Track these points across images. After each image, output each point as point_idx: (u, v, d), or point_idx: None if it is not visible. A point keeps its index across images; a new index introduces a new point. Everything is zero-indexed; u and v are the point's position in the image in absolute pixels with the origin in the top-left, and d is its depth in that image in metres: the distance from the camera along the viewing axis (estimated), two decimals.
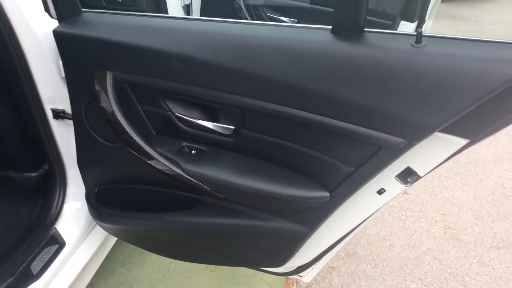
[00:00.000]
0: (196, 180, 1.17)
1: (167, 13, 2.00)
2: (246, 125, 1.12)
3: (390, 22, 1.96)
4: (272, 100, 1.01)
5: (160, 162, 1.18)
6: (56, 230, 1.45)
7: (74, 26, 1.17)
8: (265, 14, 2.15)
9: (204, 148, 1.20)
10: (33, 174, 1.55)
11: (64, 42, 1.17)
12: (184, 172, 1.17)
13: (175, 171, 1.17)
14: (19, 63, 1.21)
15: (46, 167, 1.55)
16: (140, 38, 1.09)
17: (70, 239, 1.46)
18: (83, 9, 1.22)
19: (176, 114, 1.19)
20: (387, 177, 1.05)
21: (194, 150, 1.20)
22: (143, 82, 1.14)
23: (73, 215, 1.50)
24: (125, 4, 1.90)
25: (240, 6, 2.06)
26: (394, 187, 1.06)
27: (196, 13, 2.06)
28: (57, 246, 1.43)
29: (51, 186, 1.48)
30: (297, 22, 2.18)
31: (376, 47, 0.89)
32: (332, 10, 1.13)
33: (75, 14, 1.20)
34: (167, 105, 1.18)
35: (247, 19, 2.08)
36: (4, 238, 1.46)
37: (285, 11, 2.18)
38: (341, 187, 1.08)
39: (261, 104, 1.03)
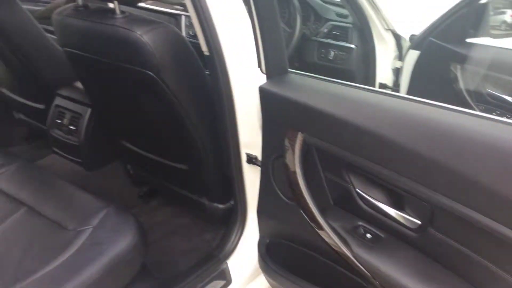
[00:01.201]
0: (364, 268, 1.04)
1: (374, 72, 1.92)
2: (436, 224, 0.95)
3: None
4: (476, 207, 0.82)
5: (330, 236, 1.10)
6: (227, 266, 1.52)
7: (278, 85, 1.20)
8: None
9: (382, 235, 1.07)
10: (221, 206, 1.66)
11: (267, 98, 1.22)
12: (353, 256, 1.06)
13: (344, 252, 1.07)
14: (228, 108, 1.31)
15: (232, 202, 1.65)
16: (336, 107, 1.05)
17: (237, 279, 1.51)
18: (289, 69, 1.25)
19: (357, 190, 1.09)
20: None
21: (370, 234, 1.08)
22: (330, 150, 1.09)
23: (245, 256, 1.54)
24: (335, 61, 1.91)
25: (456, 76, 1.79)
26: None
27: (405, 78, 1.91)
28: (224, 282, 1.49)
29: (232, 222, 1.56)
30: None
31: None
32: None
33: (282, 73, 1.25)
34: (349, 179, 1.10)
35: (464, 100, 1.79)
36: (184, 259, 1.61)
37: None
38: None
39: (458, 208, 0.84)
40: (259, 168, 1.40)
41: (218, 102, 1.29)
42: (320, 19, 2.14)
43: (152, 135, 1.57)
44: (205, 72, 1.33)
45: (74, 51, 1.37)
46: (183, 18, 2.24)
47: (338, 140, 1.06)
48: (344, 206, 1.15)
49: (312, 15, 2.16)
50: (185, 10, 2.21)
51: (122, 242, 1.18)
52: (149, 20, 1.24)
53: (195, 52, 1.29)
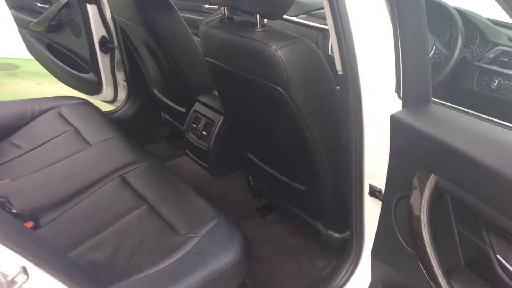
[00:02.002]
0: None
1: None
2: None
3: None
4: None
5: None
6: None
7: (415, 116, 1.05)
8: None
9: None
10: (336, 235, 1.55)
11: (400, 129, 1.08)
12: None
13: None
14: (356, 133, 1.20)
15: (348, 233, 1.52)
16: (485, 152, 0.86)
17: None
18: (433, 99, 1.09)
19: (498, 256, 0.88)
20: None
21: None
22: (469, 201, 0.90)
23: None
24: (499, 91, 1.63)
25: None
26: None
27: None
28: None
29: (346, 255, 1.44)
30: None
31: None
32: None
33: (422, 102, 1.09)
34: (489, 240, 0.89)
35: None
36: (289, 282, 1.54)
37: None
38: None
39: None
40: (381, 203, 1.26)
41: (346, 125, 1.20)
42: (487, 42, 1.86)
43: (274, 150, 1.55)
44: (337, 92, 1.25)
45: (214, 61, 1.42)
46: None
47: (481, 191, 0.87)
48: (478, 271, 0.94)
49: (478, 38, 1.89)
50: None
51: (225, 257, 1.16)
52: (288, 35, 1.20)
53: (330, 70, 1.22)
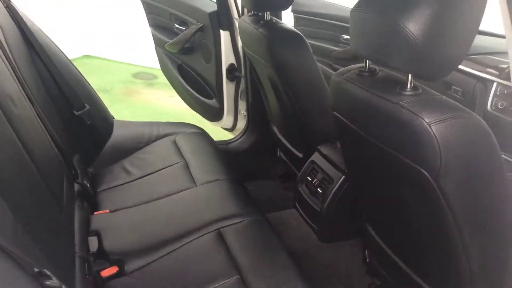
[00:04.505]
0: None
1: None
2: None
3: None
4: None
5: None
6: None
7: None
8: None
9: None
10: None
11: None
12: None
13: None
14: None
15: None
16: None
17: None
18: None
19: None
20: None
21: None
22: None
23: None
24: None
25: None
26: None
27: None
28: None
29: None
30: None
31: None
32: None
33: None
34: None
35: None
36: None
37: None
38: None
39: None
40: None
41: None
42: None
43: (404, 237, 1.23)
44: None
45: (343, 119, 1.17)
46: (494, 85, 1.74)
47: None
48: None
49: None
50: (501, 75, 1.73)
51: None
52: (448, 105, 0.90)
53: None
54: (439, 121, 0.85)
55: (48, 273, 0.69)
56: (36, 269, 0.68)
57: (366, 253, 1.60)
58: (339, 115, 1.20)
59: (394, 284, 1.41)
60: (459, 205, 0.92)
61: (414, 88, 0.95)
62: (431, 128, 0.85)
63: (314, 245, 1.69)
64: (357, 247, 1.67)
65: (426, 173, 0.90)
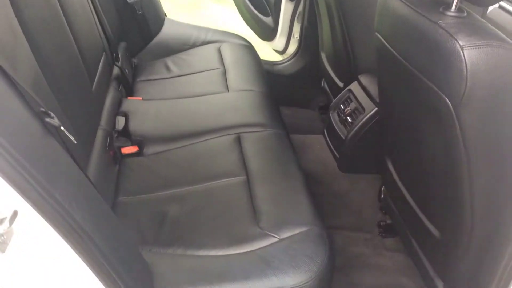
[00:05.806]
0: None
1: None
2: None
3: None
4: None
5: None
6: None
7: None
8: None
9: None
10: None
11: None
12: None
13: None
14: None
15: None
16: None
17: None
18: None
19: None
20: None
21: None
22: None
23: None
24: None
25: None
26: None
27: None
28: None
29: None
30: None
31: None
32: None
33: None
34: None
35: None
36: None
37: None
38: None
39: None
40: None
41: None
42: None
43: (418, 174, 1.20)
44: None
45: (383, 40, 1.11)
46: None
47: None
48: None
49: None
50: None
51: (291, 279, 0.93)
52: (489, 31, 0.83)
53: None
54: (474, 46, 0.79)
55: (52, 114, 0.73)
56: (42, 109, 0.72)
57: (382, 189, 1.58)
58: (380, 37, 1.13)
59: (403, 223, 1.39)
60: (473, 140, 0.87)
61: (459, 10, 0.87)
62: (463, 52, 0.79)
63: (331, 173, 1.68)
64: (373, 185, 1.64)
65: (448, 100, 0.84)
